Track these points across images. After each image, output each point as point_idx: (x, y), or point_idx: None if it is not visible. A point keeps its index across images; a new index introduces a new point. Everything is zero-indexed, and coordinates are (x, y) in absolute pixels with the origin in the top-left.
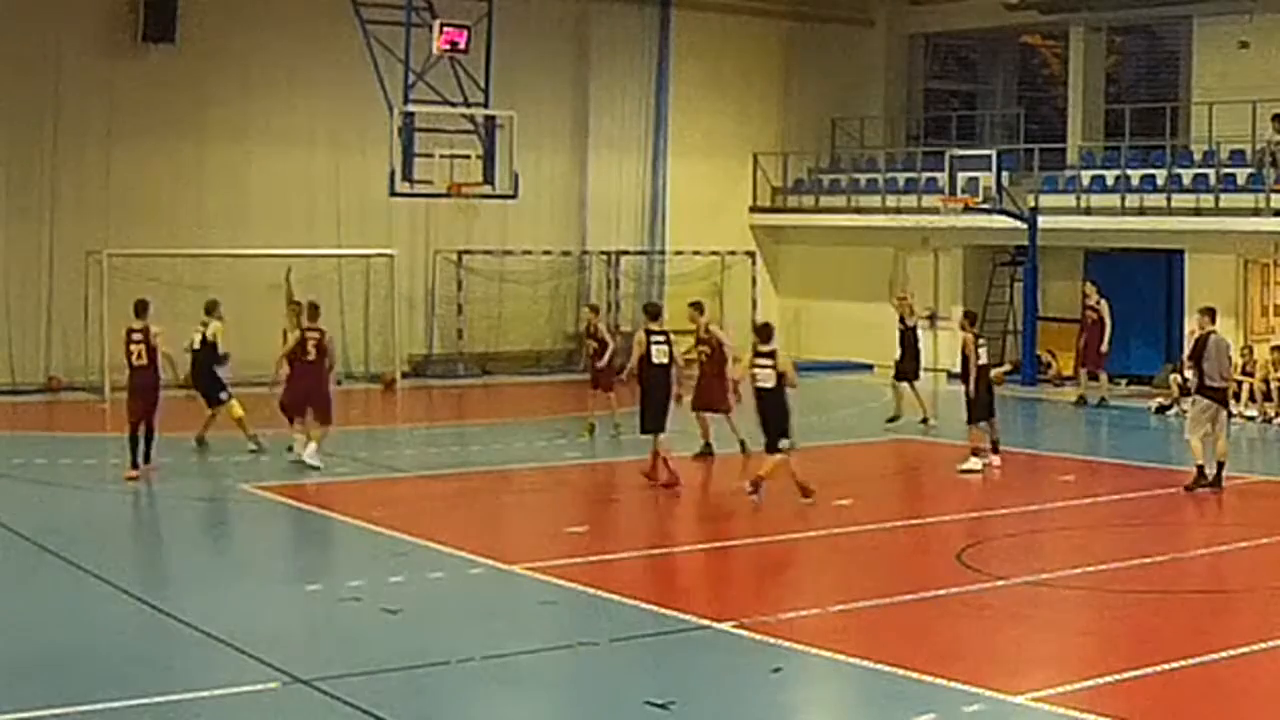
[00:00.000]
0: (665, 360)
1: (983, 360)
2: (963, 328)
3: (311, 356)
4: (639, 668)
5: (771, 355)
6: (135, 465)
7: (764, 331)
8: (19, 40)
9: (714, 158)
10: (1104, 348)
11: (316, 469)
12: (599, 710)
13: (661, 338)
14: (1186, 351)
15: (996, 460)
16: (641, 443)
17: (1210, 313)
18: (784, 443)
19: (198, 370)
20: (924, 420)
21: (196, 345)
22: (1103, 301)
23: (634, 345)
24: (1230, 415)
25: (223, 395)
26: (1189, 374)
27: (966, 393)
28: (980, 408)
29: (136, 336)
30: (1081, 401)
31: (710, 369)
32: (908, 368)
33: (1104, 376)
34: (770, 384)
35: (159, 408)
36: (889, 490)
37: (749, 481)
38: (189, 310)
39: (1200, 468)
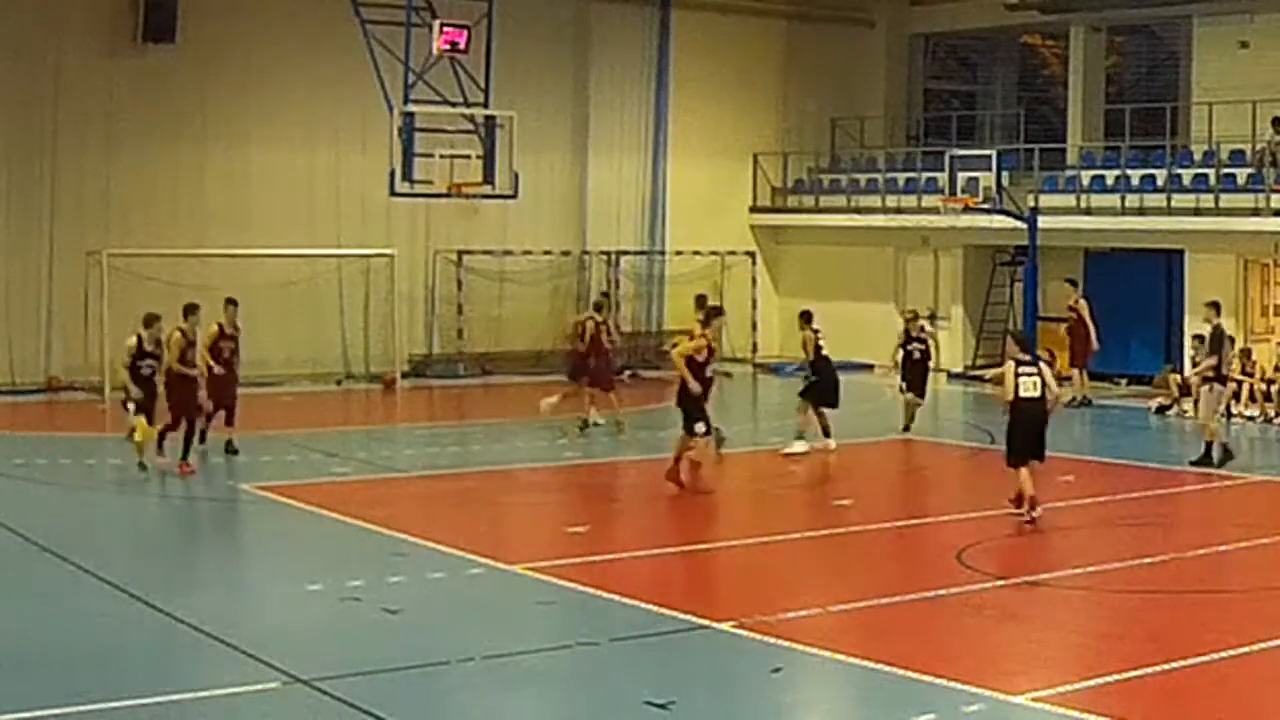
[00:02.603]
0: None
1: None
2: (800, 326)
3: None
4: (639, 668)
5: (1035, 364)
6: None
7: (1022, 341)
8: (19, 40)
9: (714, 158)
10: (1080, 345)
11: None
12: (599, 710)
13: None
14: (1209, 345)
15: (832, 444)
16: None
17: (1216, 306)
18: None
19: None
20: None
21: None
22: (1081, 301)
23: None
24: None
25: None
26: (1209, 363)
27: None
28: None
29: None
30: (1079, 402)
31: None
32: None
33: (1084, 374)
34: (1036, 394)
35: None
36: (889, 490)
37: (1028, 503)
38: None
39: (1225, 444)
